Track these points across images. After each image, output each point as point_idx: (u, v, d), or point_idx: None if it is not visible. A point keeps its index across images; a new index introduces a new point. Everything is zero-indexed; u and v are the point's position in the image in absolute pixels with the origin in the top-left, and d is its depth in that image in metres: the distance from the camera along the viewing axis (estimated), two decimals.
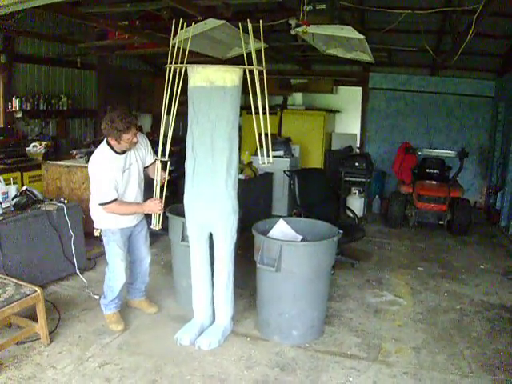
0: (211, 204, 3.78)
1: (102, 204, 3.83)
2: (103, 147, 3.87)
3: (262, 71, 3.60)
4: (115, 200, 3.83)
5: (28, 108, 7.57)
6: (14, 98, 7.38)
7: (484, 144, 9.76)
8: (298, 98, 10.63)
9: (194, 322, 4.08)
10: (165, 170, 4.03)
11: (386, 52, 8.22)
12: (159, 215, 3.99)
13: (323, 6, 3.90)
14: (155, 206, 3.95)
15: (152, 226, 4.02)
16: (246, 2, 5.28)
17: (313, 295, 4.00)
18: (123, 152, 3.90)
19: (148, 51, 8.02)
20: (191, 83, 3.65)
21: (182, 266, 4.34)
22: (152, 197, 4.01)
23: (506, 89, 8.52)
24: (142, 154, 4.10)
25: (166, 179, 4.06)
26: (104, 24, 5.93)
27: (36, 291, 3.69)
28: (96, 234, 4.13)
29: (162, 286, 5.06)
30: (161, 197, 4.00)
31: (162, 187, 4.03)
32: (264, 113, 3.60)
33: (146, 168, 4.21)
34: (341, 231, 4.08)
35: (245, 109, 8.35)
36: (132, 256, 4.36)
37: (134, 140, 3.82)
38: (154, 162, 4.09)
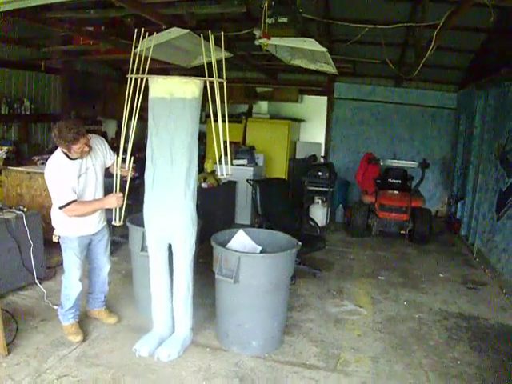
0: (170, 215, 3.78)
1: (61, 207, 3.79)
2: (57, 152, 3.85)
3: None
4: (74, 201, 3.80)
5: None
6: None
7: (446, 154, 9.99)
8: (263, 106, 10.69)
9: (154, 332, 4.05)
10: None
11: (351, 63, 8.34)
12: (120, 211, 3.93)
13: (285, 20, 3.92)
14: (117, 200, 3.89)
15: (113, 222, 3.94)
16: (212, 12, 5.28)
17: (272, 306, 4.02)
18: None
19: (113, 57, 7.96)
20: (152, 94, 3.65)
21: (142, 275, 4.31)
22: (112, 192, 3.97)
23: (467, 101, 8.73)
24: (100, 157, 4.07)
25: (130, 172, 3.94)
26: (68, 29, 5.86)
27: None
28: (54, 239, 4.06)
29: (122, 295, 5.01)
30: (123, 191, 3.95)
31: (125, 181, 3.99)
32: (223, 121, 3.64)
33: (108, 168, 4.21)
34: (299, 243, 4.11)
35: (209, 116, 8.36)
36: (91, 264, 4.34)
37: (85, 149, 3.79)
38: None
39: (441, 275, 6.31)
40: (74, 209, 3.81)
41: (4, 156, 7.05)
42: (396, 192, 8.02)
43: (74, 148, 3.70)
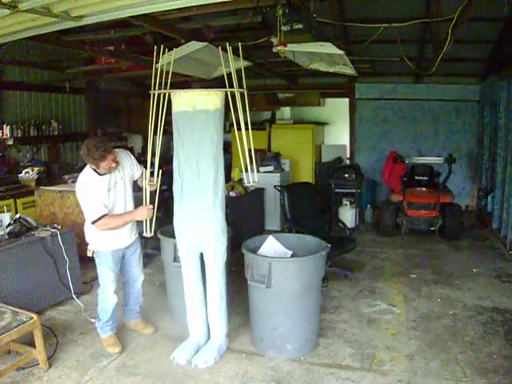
0: (200, 225, 3.86)
1: (93, 222, 3.90)
2: (87, 169, 3.98)
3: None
4: (106, 215, 3.91)
5: (19, 135, 7.61)
6: (4, 126, 7.40)
7: (472, 148, 9.86)
8: (286, 112, 10.70)
9: (190, 340, 4.12)
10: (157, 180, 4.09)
11: (370, 63, 8.33)
12: (151, 222, 4.03)
13: (300, 26, 3.94)
14: (147, 212, 4.00)
15: (144, 234, 4.06)
16: (228, 23, 5.35)
17: (304, 309, 4.06)
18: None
19: (135, 74, 8.10)
20: (175, 108, 3.74)
21: (176, 286, 4.40)
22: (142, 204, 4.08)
23: (490, 92, 8.63)
24: (128, 171, 4.18)
25: (159, 184, 4.09)
26: (90, 50, 6.02)
27: (33, 318, 3.73)
28: (89, 254, 4.17)
29: (157, 306, 5.09)
30: (152, 203, 4.04)
31: (154, 193, 4.08)
32: (247, 129, 3.72)
33: (136, 181, 4.32)
34: (329, 245, 4.14)
35: (233, 125, 8.45)
36: (125, 276, 4.44)
37: (113, 165, 3.90)
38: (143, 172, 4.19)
39: (474, 270, 6.23)
40: (106, 222, 3.92)
41: (36, 177, 7.26)
42: (423, 189, 7.95)
43: (102, 165, 3.82)
